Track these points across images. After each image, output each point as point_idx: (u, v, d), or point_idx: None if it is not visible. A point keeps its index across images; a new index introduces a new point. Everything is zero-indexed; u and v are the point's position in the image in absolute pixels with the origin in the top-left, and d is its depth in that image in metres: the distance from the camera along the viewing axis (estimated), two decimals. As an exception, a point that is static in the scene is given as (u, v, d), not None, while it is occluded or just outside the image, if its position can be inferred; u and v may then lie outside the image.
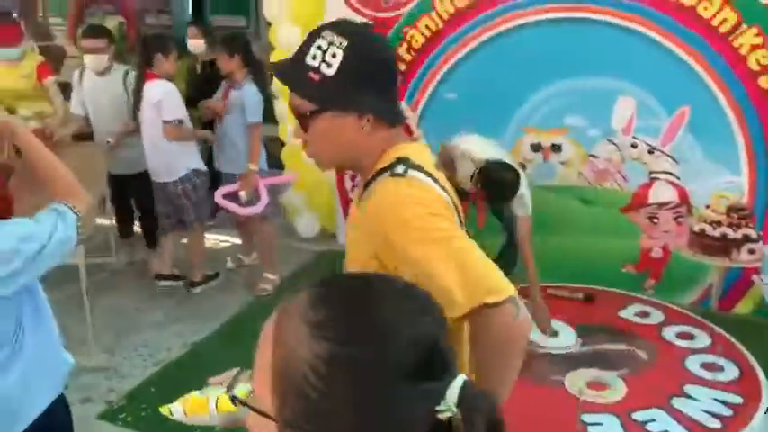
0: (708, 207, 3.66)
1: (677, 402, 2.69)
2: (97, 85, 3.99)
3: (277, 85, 4.08)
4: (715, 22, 3.39)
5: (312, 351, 0.61)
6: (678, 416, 2.61)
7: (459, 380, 0.62)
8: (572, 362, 3.01)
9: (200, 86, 4.36)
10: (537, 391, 2.74)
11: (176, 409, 0.99)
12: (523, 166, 3.97)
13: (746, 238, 3.62)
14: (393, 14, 4.09)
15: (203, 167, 3.97)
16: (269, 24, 4.62)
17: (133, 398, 3.03)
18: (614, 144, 3.79)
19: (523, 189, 3.08)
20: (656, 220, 3.81)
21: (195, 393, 1.00)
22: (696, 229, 3.72)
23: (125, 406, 2.98)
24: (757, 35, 3.33)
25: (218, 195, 3.85)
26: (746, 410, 2.63)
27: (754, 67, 3.37)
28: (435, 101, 4.15)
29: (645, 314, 3.43)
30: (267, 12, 4.52)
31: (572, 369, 2.94)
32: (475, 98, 3.98)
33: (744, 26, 3.34)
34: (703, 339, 3.18)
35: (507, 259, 3.25)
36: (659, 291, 3.86)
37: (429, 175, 1.20)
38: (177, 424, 1.05)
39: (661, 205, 3.78)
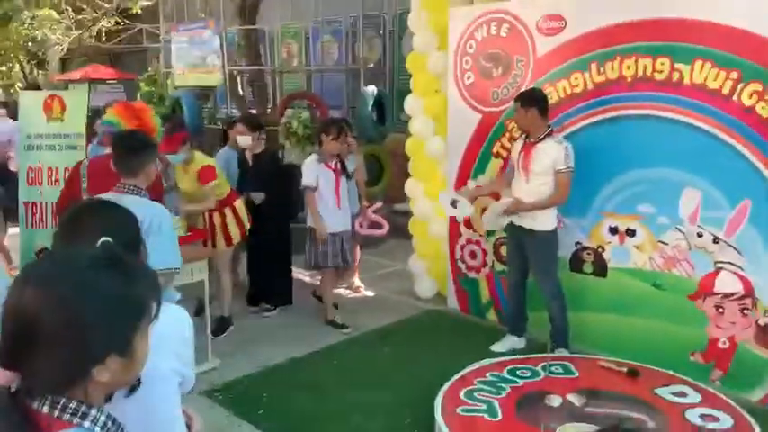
0: (773, 301, 3.64)
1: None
2: None
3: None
4: (773, 121, 3.53)
5: None
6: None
7: None
8: (576, 417, 3.28)
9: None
10: (519, 427, 3.11)
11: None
12: (602, 248, 4.32)
13: (814, 338, 3.51)
14: (500, 109, 4.80)
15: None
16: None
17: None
18: (682, 232, 3.97)
19: None
20: (722, 310, 3.85)
21: None
22: (762, 323, 3.69)
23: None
24: (814, 134, 3.40)
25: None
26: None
27: (812, 164, 3.42)
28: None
29: (682, 394, 3.51)
30: (406, 107, 5.57)
31: (572, 422, 3.22)
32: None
33: (800, 125, 3.44)
34: (725, 422, 3.20)
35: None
36: (725, 383, 3.84)
37: None
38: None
39: (726, 295, 3.82)
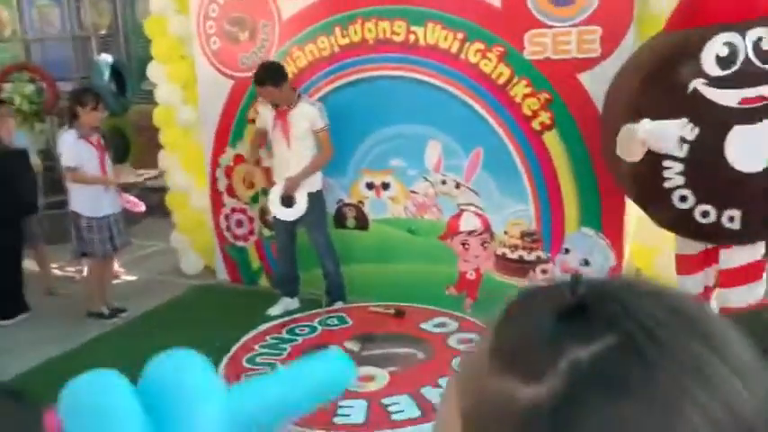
0: (506, 233, 4.21)
1: (426, 391, 3.15)
2: None
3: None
4: (494, 76, 4.02)
5: None
6: (421, 401, 3.08)
7: None
8: (355, 363, 3.49)
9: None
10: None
11: None
12: (362, 203, 4.57)
13: (539, 260, 4.15)
14: (251, 74, 4.73)
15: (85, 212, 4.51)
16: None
17: None
18: (429, 181, 4.38)
19: None
20: (467, 246, 4.35)
21: None
22: (499, 253, 4.26)
23: None
24: (527, 85, 3.96)
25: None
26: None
27: (527, 113, 3.98)
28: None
29: (442, 325, 3.93)
30: (150, 75, 5.23)
31: (352, 367, 3.42)
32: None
33: (516, 78, 3.97)
34: (479, 343, 3.66)
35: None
36: (476, 309, 4.36)
37: None
38: None
39: (470, 233, 4.32)
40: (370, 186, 4.57)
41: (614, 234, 3.91)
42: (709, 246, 3.14)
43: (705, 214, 2.92)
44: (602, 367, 0.38)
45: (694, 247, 3.15)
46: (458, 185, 4.29)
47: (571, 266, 4.03)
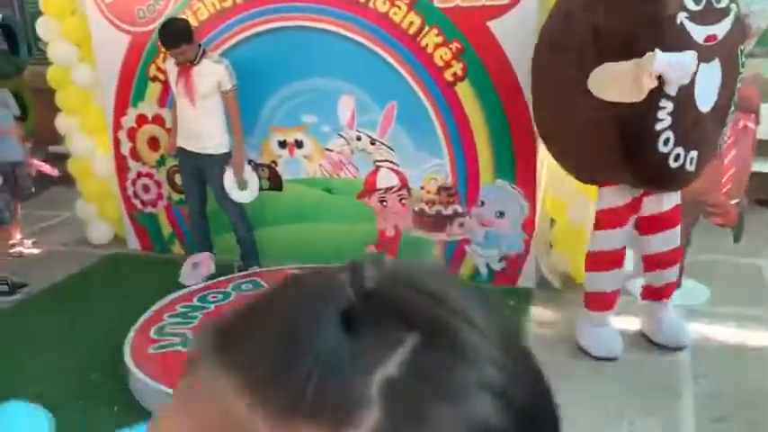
0: (423, 189, 4.14)
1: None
2: None
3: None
4: (405, 25, 3.89)
5: None
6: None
7: None
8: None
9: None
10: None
11: None
12: (275, 162, 4.40)
13: (456, 214, 4.11)
14: (150, 28, 4.42)
15: None
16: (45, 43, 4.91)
17: None
18: (343, 138, 4.24)
19: None
20: (385, 204, 4.27)
21: None
22: (416, 209, 4.19)
23: None
24: (438, 35, 3.84)
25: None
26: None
27: (440, 63, 3.88)
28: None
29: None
30: (40, 32, 4.82)
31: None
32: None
33: (426, 27, 3.85)
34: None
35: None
36: (396, 267, 4.31)
37: None
38: None
39: (387, 190, 4.24)
40: (282, 145, 4.40)
41: (527, 185, 3.90)
42: (638, 194, 3.13)
43: (677, 158, 2.89)
44: (418, 374, 0.31)
45: (624, 197, 3.13)
46: (373, 141, 4.17)
47: (486, 219, 4.01)
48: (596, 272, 3.26)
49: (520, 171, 3.88)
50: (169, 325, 3.45)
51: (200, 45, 3.98)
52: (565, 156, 3.32)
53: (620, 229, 3.18)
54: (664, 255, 3.23)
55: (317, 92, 4.20)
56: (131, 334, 3.34)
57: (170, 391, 2.51)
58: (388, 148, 4.15)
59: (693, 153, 2.93)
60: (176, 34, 3.84)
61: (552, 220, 4.11)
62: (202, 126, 3.97)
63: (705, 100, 2.88)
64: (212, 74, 3.90)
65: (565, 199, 3.94)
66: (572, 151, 3.21)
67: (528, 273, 4.04)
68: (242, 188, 4.11)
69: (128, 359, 3.10)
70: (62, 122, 4.99)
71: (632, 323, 3.48)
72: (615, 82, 2.79)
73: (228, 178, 4.07)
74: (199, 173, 4.15)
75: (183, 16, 4.16)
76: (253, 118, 4.33)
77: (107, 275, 4.67)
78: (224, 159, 4.07)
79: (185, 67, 3.91)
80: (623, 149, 2.89)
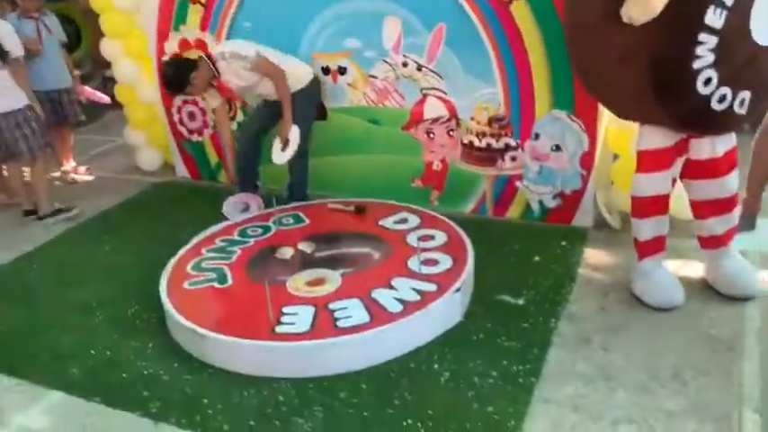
0: (473, 119, 3.86)
1: (376, 293, 2.94)
2: None
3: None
4: (455, -62, 3.51)
5: None
6: (371, 305, 2.87)
7: None
8: (307, 265, 3.28)
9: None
10: (252, 289, 3.05)
11: None
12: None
13: (508, 147, 3.83)
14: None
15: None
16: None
17: None
18: (388, 63, 3.97)
19: None
20: (432, 135, 4.02)
21: None
22: (465, 141, 3.93)
23: None
24: (492, -51, 3.45)
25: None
26: (433, 296, 2.89)
27: (493, -20, 3.51)
28: (235, 30, 4.32)
29: (403, 221, 3.67)
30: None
31: (302, 270, 3.21)
32: (267, 26, 4.15)
33: (480, -60, 3.46)
34: (440, 239, 3.42)
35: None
36: (443, 202, 4.11)
37: None
38: None
39: (434, 120, 3.98)
40: (326, 71, 4.17)
41: (588, 116, 3.55)
42: (685, 135, 2.79)
43: (722, 99, 2.53)
44: None
45: (667, 139, 2.80)
46: (419, 68, 3.89)
47: (541, 153, 3.72)
48: (640, 218, 2.97)
49: (580, 100, 3.53)
50: (207, 260, 3.40)
51: (201, 57, 3.88)
52: (596, 91, 2.97)
53: (663, 173, 2.86)
54: (715, 203, 2.89)
55: (359, 14, 3.92)
56: (168, 268, 3.31)
57: (201, 330, 2.42)
58: (436, 74, 3.86)
59: (745, 94, 2.54)
60: (174, 83, 3.84)
61: (615, 155, 3.77)
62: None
63: (765, 32, 2.47)
64: (236, 76, 3.81)
65: (630, 131, 3.58)
66: (603, 89, 2.87)
67: (584, 211, 3.76)
68: (284, 149, 3.89)
69: (163, 296, 3.07)
70: (106, 47, 4.90)
71: (695, 269, 3.19)
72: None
73: (276, 145, 3.91)
74: (272, 105, 3.98)
75: None
76: (295, 45, 4.11)
77: (155, 204, 4.67)
78: (304, 92, 3.92)
79: (215, 84, 4.02)
80: (656, 91, 2.54)
